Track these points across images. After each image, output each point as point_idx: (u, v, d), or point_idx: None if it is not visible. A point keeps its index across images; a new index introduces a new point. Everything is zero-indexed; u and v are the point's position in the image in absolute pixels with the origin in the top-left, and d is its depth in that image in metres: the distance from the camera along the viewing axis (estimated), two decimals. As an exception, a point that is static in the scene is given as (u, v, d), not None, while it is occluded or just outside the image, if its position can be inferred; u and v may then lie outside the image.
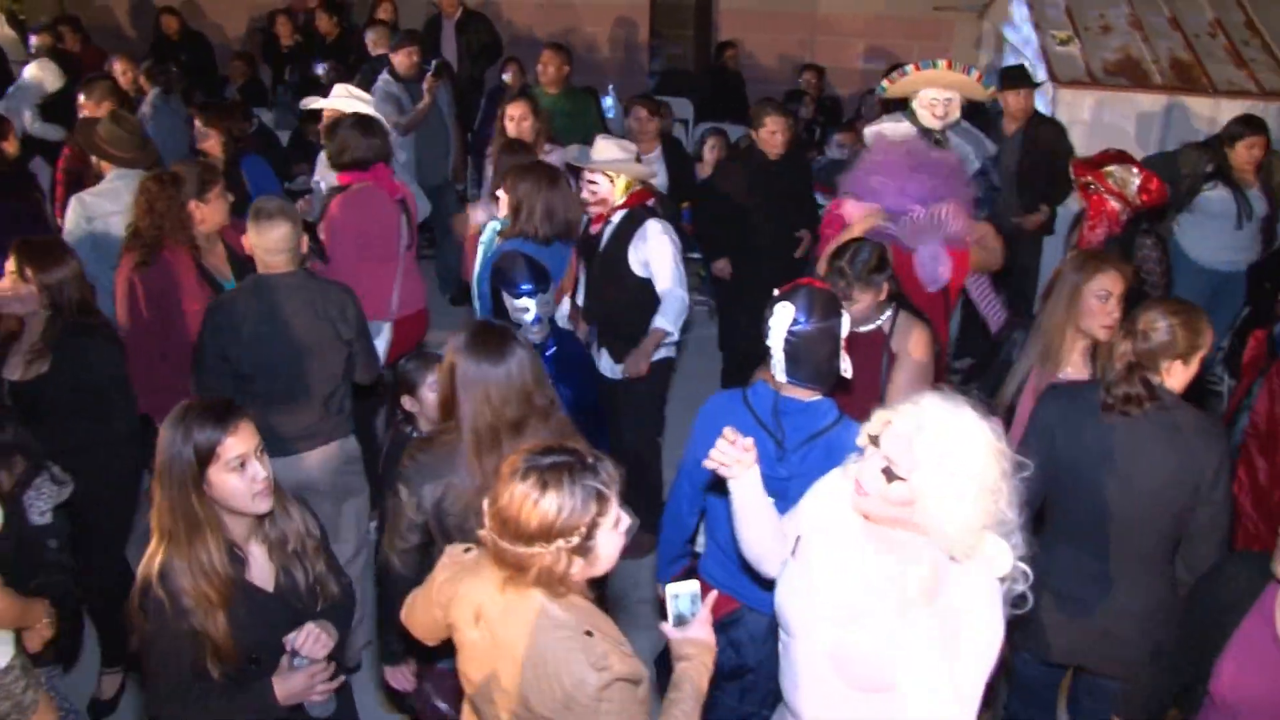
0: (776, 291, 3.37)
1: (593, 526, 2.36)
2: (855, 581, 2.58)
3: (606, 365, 5.24)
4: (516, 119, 6.40)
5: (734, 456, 2.77)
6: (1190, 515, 3.30)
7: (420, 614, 2.76)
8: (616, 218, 5.11)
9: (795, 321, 3.26)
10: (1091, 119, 7.42)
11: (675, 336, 5.17)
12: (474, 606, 2.52)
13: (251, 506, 2.83)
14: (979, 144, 6.06)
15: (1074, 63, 7.65)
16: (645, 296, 5.09)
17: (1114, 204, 5.14)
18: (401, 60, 7.48)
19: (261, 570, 2.94)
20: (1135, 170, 5.18)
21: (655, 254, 5.03)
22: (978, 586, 2.50)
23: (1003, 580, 2.52)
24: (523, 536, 2.34)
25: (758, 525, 2.88)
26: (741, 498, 2.85)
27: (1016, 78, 7.01)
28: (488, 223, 5.16)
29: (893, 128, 5.97)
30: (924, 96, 5.84)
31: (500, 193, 4.94)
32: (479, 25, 9.89)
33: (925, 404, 2.45)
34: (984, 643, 2.50)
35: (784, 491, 3.13)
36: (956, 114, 5.87)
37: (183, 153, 6.79)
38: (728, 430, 2.79)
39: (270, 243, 4.14)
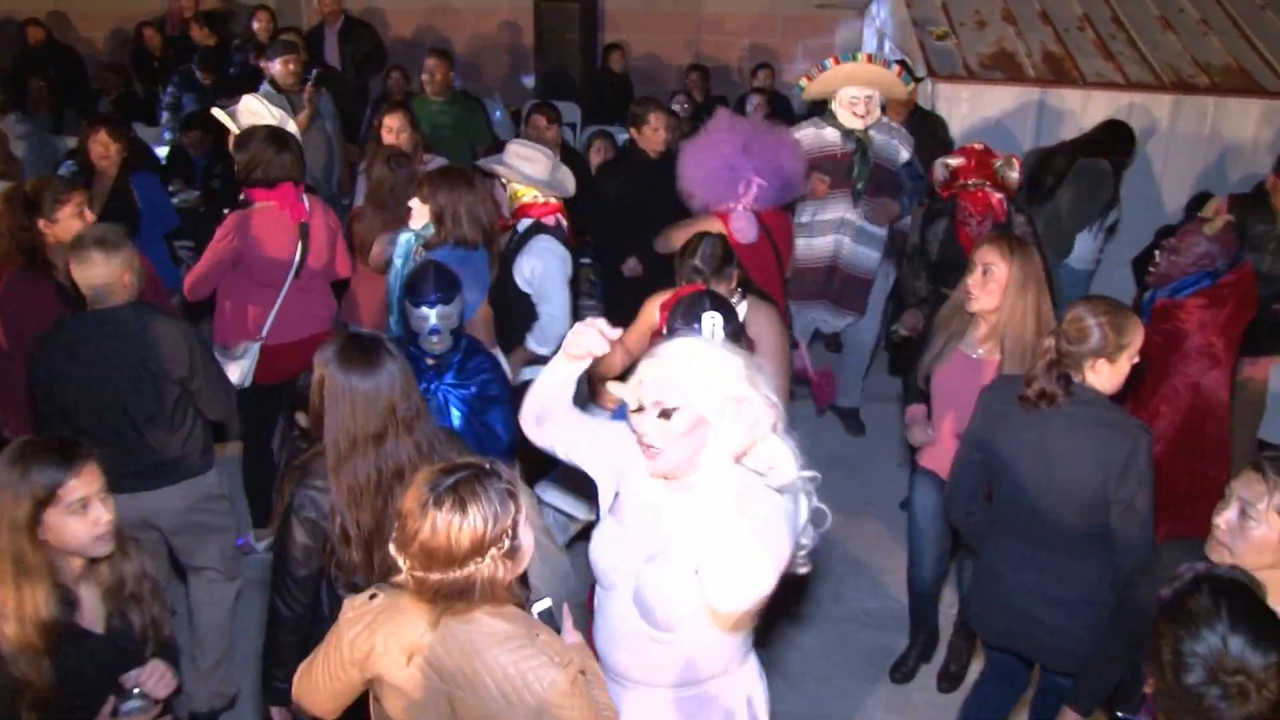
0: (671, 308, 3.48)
1: (515, 526, 2.37)
2: (659, 522, 2.69)
3: None
4: (395, 130, 6.31)
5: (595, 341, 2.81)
6: (1107, 510, 3.37)
7: (323, 682, 2.60)
8: (520, 228, 5.04)
9: (724, 328, 3.36)
10: (969, 112, 7.57)
11: (548, 354, 5.13)
12: (404, 649, 2.45)
13: (91, 550, 2.75)
14: (904, 138, 6.12)
15: (951, 57, 7.80)
16: (522, 311, 5.02)
17: (997, 195, 5.25)
18: (280, 70, 7.29)
19: (92, 612, 2.83)
20: (1014, 161, 5.29)
21: (539, 273, 4.93)
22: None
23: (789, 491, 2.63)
24: (456, 560, 2.32)
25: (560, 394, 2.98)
26: (565, 375, 2.94)
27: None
28: (399, 241, 4.97)
29: (814, 134, 6.02)
30: (843, 96, 5.86)
31: (415, 203, 4.82)
32: (362, 33, 9.75)
33: (659, 350, 2.61)
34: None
35: None
36: (878, 112, 5.90)
37: (44, 168, 6.59)
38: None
39: (87, 278, 3.96)
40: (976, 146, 5.36)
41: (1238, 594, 2.14)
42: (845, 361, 6.81)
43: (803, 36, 11.01)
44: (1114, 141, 6.50)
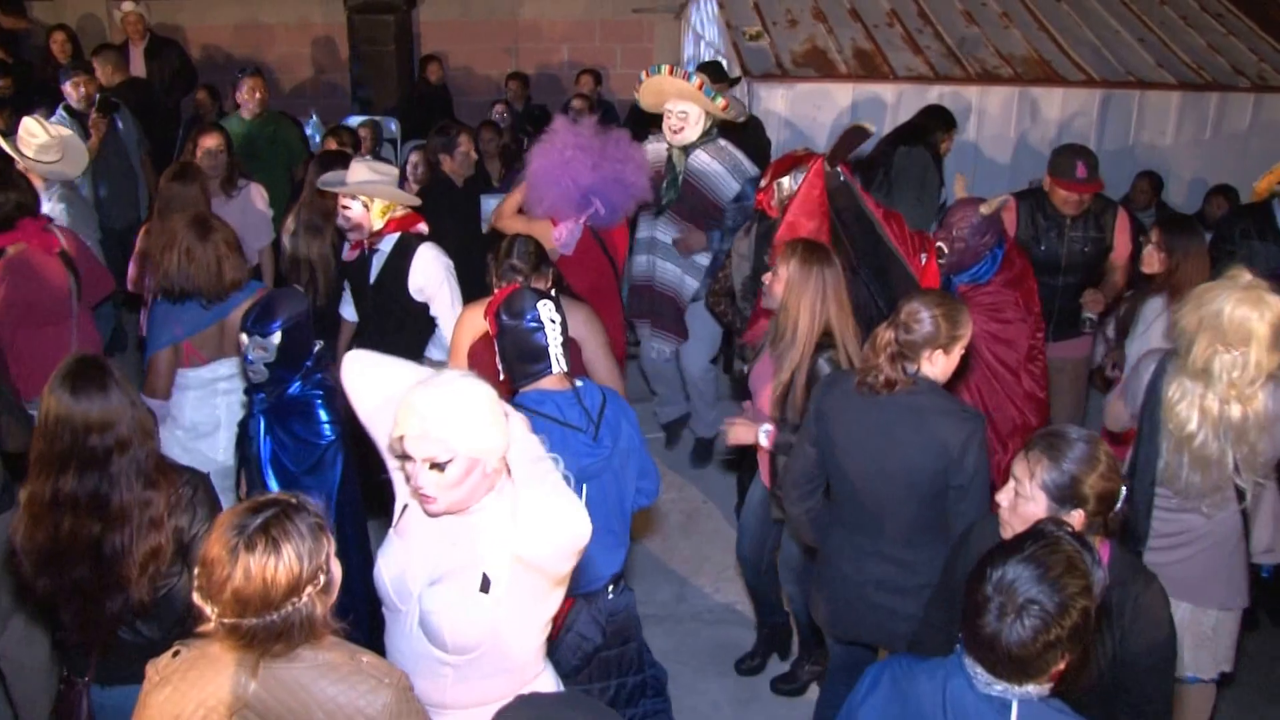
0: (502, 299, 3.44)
1: (328, 560, 2.30)
2: (444, 543, 2.67)
3: None
4: (213, 150, 6.08)
5: None
6: (945, 497, 3.46)
7: None
8: (386, 244, 4.92)
9: (559, 315, 3.38)
10: (784, 110, 7.65)
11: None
12: (226, 706, 2.30)
13: None
14: (738, 168, 5.80)
15: (764, 57, 7.87)
16: (422, 323, 5.00)
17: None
18: (71, 92, 6.91)
19: None
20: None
21: (432, 280, 4.90)
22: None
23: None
24: (273, 604, 2.20)
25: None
26: None
27: (711, 74, 7.12)
28: None
29: (652, 148, 5.89)
30: (666, 109, 5.69)
31: None
32: (169, 52, 9.38)
33: (412, 400, 2.55)
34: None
35: (602, 470, 3.39)
36: (694, 130, 5.67)
37: None
38: None
39: None
40: (798, 152, 5.36)
41: (1044, 541, 2.24)
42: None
43: (621, 41, 11.00)
44: (932, 126, 6.63)
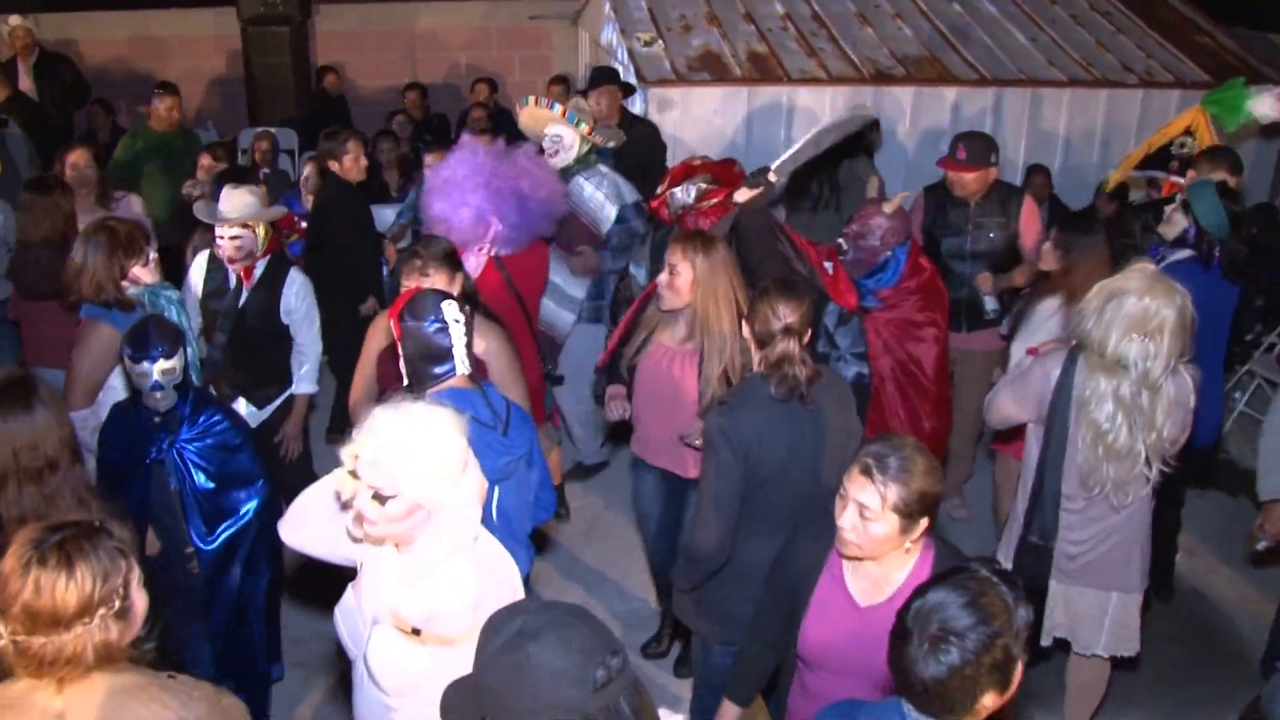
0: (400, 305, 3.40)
1: (127, 585, 2.24)
2: (382, 585, 2.65)
3: (250, 413, 4.95)
4: (79, 165, 5.90)
5: None
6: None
7: None
8: (259, 268, 4.86)
9: (462, 317, 3.35)
10: (681, 115, 7.62)
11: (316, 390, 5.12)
12: None
13: None
14: (616, 192, 5.75)
15: (659, 62, 7.83)
16: (285, 349, 4.98)
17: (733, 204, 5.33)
18: (-55, 111, 6.73)
19: None
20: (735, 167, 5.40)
21: (303, 303, 4.89)
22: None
23: None
24: (63, 622, 2.14)
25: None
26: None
27: (603, 78, 7.07)
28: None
29: None
30: (543, 134, 5.71)
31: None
32: (60, 67, 9.14)
33: (378, 421, 2.51)
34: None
35: (514, 471, 3.38)
36: (569, 153, 5.65)
37: None
38: None
39: None
40: (710, 161, 5.41)
41: (964, 578, 2.16)
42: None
43: (519, 49, 10.94)
44: (864, 133, 6.62)
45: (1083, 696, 4.33)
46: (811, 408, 3.48)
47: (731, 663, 3.79)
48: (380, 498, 2.49)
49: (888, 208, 4.76)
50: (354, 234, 6.13)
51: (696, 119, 7.67)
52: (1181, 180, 5.91)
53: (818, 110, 7.79)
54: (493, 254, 5.07)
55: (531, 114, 5.77)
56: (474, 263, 4.99)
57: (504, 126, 9.29)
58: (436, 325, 3.33)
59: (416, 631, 2.56)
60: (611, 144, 6.20)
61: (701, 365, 4.17)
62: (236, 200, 4.78)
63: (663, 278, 4.16)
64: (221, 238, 4.77)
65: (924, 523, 2.76)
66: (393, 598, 2.61)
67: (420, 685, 2.58)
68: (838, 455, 3.52)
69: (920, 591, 2.14)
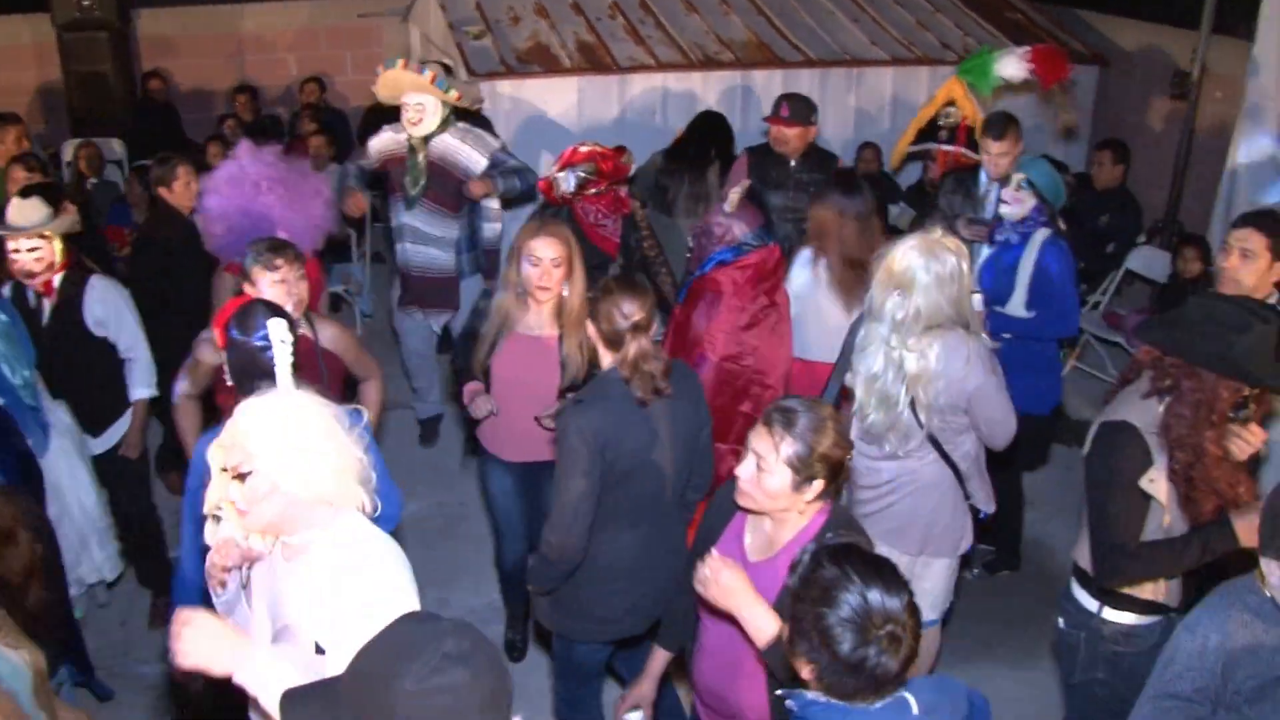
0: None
1: None
2: (279, 600, 2.60)
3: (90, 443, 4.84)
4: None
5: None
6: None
7: None
8: (56, 282, 4.66)
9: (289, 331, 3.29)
10: (512, 107, 7.62)
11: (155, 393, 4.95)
12: None
13: None
14: (481, 142, 5.98)
15: (488, 55, 7.82)
16: (112, 362, 4.80)
17: (623, 190, 5.46)
18: None
19: None
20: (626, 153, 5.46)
21: (112, 311, 4.70)
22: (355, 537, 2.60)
23: None
24: None
25: None
26: None
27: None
28: None
29: (389, 137, 6.00)
30: (403, 102, 5.78)
31: None
32: None
33: (244, 408, 2.52)
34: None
35: None
36: (432, 119, 5.78)
37: None
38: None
39: None
40: (597, 149, 5.44)
41: (852, 554, 2.18)
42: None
43: (350, 47, 10.75)
44: (717, 130, 6.64)
45: (918, 668, 4.44)
46: (666, 401, 3.51)
47: (595, 658, 3.87)
48: (240, 476, 2.46)
49: (728, 205, 4.82)
50: (189, 260, 5.61)
51: (528, 111, 7.67)
52: (951, 149, 6.43)
53: (649, 97, 7.87)
54: None
55: (395, 78, 5.78)
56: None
57: (335, 127, 9.20)
58: (261, 343, 3.26)
59: (321, 650, 2.50)
60: (478, 105, 6.50)
61: (562, 346, 4.26)
62: (28, 210, 4.57)
63: (535, 271, 4.18)
64: (17, 251, 4.55)
65: (819, 485, 2.81)
66: (295, 616, 2.55)
67: None
68: (691, 445, 3.61)
69: (835, 591, 2.11)
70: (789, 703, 2.19)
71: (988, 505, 4.10)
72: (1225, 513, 3.07)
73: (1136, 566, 3.18)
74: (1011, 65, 6.52)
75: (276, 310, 3.40)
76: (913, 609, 2.12)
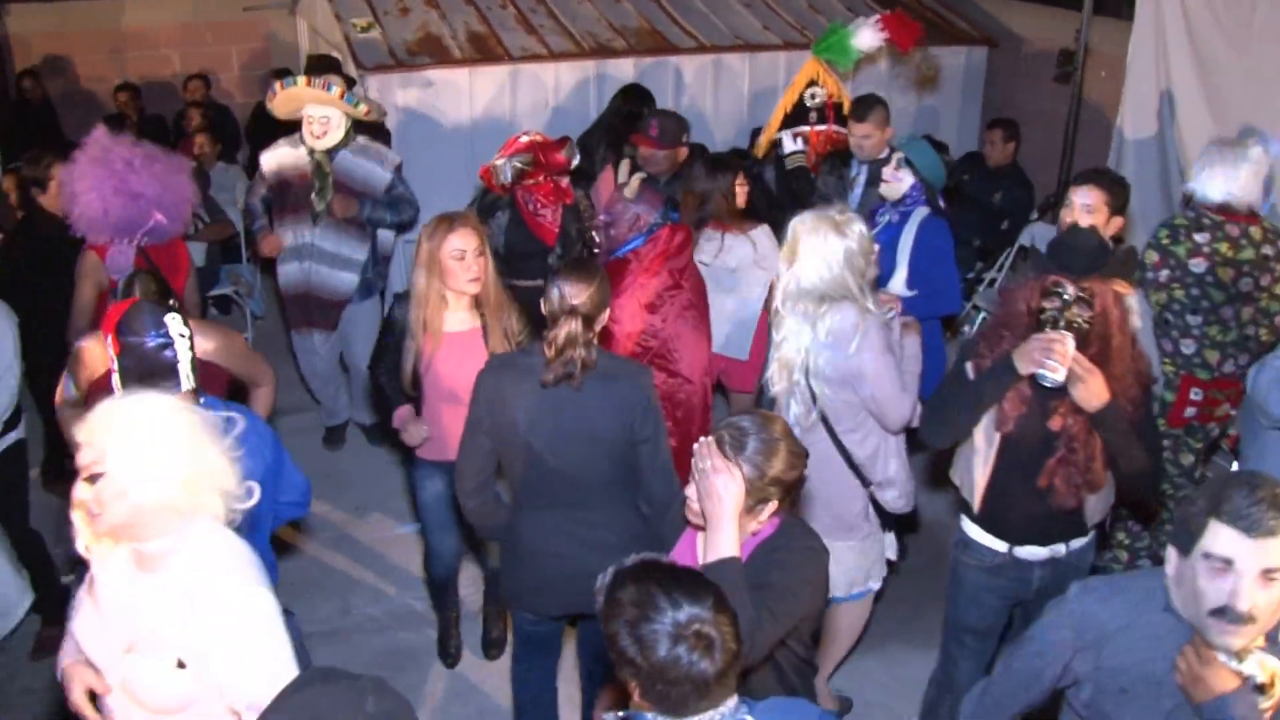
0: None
1: None
2: (135, 610, 2.54)
3: None
4: None
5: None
6: (634, 453, 3.54)
7: None
8: None
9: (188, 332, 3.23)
10: (402, 100, 7.48)
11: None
12: None
13: None
14: (381, 156, 5.93)
15: (376, 48, 7.65)
16: None
17: (564, 180, 5.42)
18: None
19: None
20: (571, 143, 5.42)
21: None
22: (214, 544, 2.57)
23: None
24: None
25: None
26: None
27: (321, 67, 6.88)
28: None
29: (287, 151, 5.82)
30: (304, 114, 5.65)
31: None
32: None
33: (103, 407, 2.48)
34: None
35: None
36: (337, 133, 5.68)
37: None
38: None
39: None
40: (536, 138, 5.36)
41: (651, 569, 2.19)
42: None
43: (235, 42, 10.52)
44: (643, 106, 6.61)
45: (839, 640, 4.51)
46: (580, 392, 3.47)
47: (531, 630, 3.91)
48: (92, 477, 2.40)
49: (628, 192, 4.79)
50: (50, 274, 5.41)
51: (419, 103, 7.54)
52: (823, 129, 6.51)
53: (542, 88, 7.79)
54: (141, 244, 4.95)
55: (295, 95, 5.66)
56: (121, 255, 4.85)
57: (222, 124, 8.98)
58: (161, 340, 3.16)
59: (182, 665, 2.46)
60: (384, 118, 6.48)
61: (487, 340, 4.24)
62: None
63: (460, 265, 4.13)
64: None
65: (773, 505, 2.78)
66: (154, 629, 2.50)
67: (186, 704, 2.51)
68: (606, 447, 3.55)
69: (641, 605, 2.11)
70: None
71: (897, 503, 4.15)
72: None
73: (937, 402, 3.52)
74: (867, 36, 6.55)
75: (169, 308, 3.32)
76: (721, 610, 2.11)
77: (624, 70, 7.89)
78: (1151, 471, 3.55)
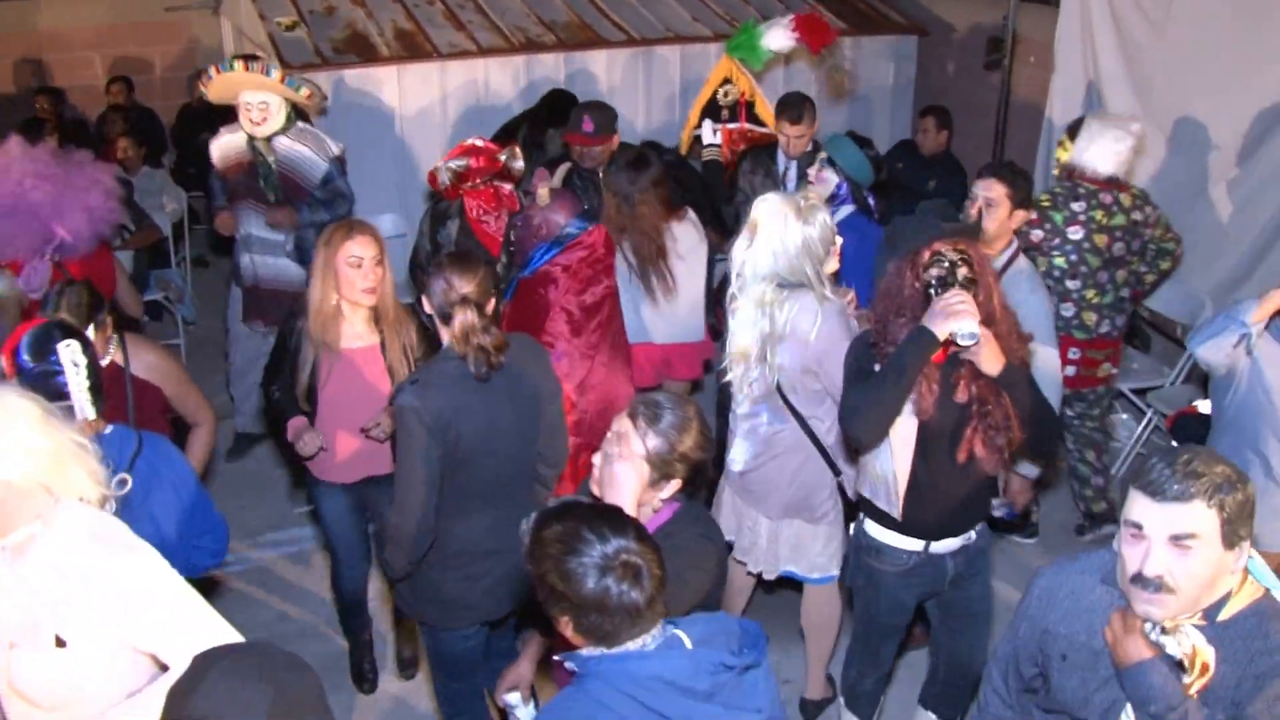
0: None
1: None
2: (10, 604, 2.52)
3: None
4: None
5: None
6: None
7: None
8: None
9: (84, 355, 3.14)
10: (330, 100, 7.35)
11: None
12: None
13: None
14: (320, 144, 5.82)
15: (302, 47, 7.55)
16: None
17: (507, 187, 5.36)
18: None
19: None
20: (516, 150, 5.35)
21: None
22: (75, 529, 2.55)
23: None
24: None
25: None
26: None
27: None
28: None
29: (228, 140, 5.77)
30: (241, 101, 5.56)
31: None
32: None
33: None
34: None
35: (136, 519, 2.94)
36: (277, 119, 5.60)
37: None
38: None
39: None
40: (477, 143, 5.31)
41: (574, 508, 2.27)
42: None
43: (158, 43, 10.29)
44: (565, 109, 6.51)
45: (819, 636, 4.52)
46: (505, 376, 3.47)
47: (463, 646, 3.79)
48: None
49: (540, 202, 4.74)
50: None
51: (346, 103, 7.45)
52: (735, 126, 6.60)
53: (472, 84, 7.71)
54: (55, 260, 4.83)
55: (231, 80, 5.54)
56: (35, 274, 4.73)
57: (146, 127, 8.80)
58: (47, 369, 3.08)
59: (62, 643, 2.45)
60: (326, 103, 6.45)
61: (385, 353, 4.13)
62: None
63: (357, 273, 4.01)
64: None
65: (676, 484, 2.84)
66: (29, 616, 2.48)
67: (74, 691, 2.50)
68: (536, 418, 3.61)
69: (567, 541, 2.17)
70: (568, 665, 2.23)
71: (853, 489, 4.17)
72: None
73: (858, 393, 3.41)
74: (778, 37, 6.61)
75: (72, 332, 3.21)
76: (643, 540, 2.18)
77: (554, 65, 7.85)
78: (1054, 420, 3.71)
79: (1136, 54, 6.42)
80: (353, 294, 4.02)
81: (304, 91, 5.66)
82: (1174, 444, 5.23)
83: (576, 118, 5.60)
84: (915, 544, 3.64)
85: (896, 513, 3.61)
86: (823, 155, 5.12)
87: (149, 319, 8.11)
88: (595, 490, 2.86)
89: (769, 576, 4.36)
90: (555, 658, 2.34)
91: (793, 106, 5.81)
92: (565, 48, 7.92)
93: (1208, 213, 6.19)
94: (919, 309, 3.34)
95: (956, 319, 3.22)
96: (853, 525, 3.88)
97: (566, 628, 2.21)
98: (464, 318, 3.39)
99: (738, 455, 4.22)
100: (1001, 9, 7.64)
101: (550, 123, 6.55)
